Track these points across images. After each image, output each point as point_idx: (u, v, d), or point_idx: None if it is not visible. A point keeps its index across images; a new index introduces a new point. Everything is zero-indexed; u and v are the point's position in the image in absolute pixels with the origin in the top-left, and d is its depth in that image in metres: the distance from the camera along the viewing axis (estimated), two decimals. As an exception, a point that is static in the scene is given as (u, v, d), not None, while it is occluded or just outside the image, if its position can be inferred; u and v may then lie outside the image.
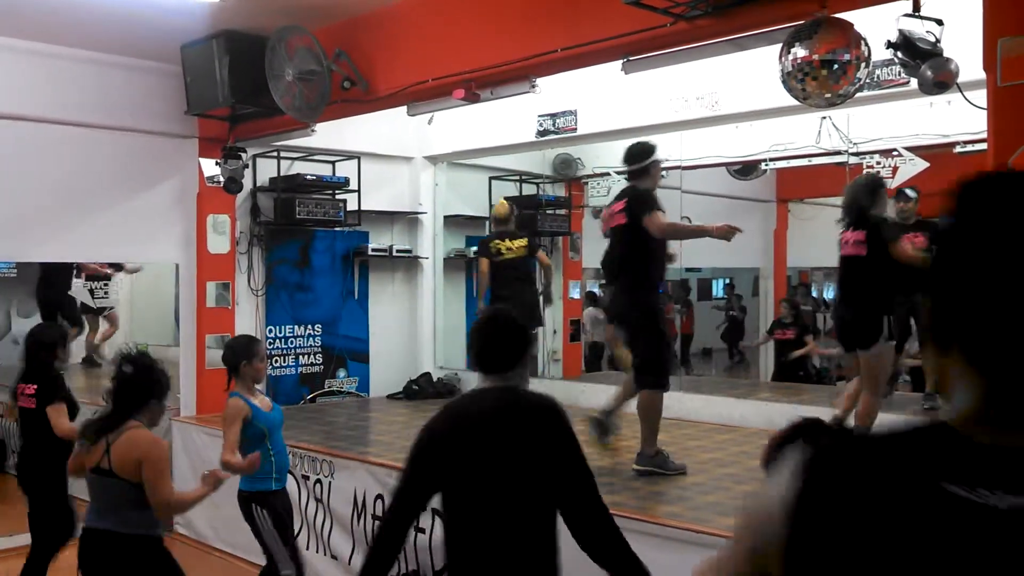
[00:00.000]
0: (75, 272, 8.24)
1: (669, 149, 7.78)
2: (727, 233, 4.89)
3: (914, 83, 3.99)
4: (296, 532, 5.73)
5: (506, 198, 8.99)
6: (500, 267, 6.99)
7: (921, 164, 6.60)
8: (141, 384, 3.68)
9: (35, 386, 5.06)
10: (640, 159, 5.18)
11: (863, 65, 3.89)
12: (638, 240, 5.00)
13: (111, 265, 8.32)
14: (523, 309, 6.51)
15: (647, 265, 5.11)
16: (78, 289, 8.28)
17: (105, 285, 8.44)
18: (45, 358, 5.09)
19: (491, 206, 8.86)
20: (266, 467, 4.38)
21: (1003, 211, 0.97)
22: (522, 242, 7.10)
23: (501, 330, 2.87)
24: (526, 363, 2.89)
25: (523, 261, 7.10)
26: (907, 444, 0.99)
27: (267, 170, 7.61)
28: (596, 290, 10.71)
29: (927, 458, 0.96)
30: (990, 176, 1.02)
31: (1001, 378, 0.97)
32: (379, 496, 5.21)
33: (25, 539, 5.26)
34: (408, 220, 8.60)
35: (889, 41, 3.80)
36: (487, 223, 8.91)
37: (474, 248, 8.07)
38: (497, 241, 7.12)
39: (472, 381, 7.40)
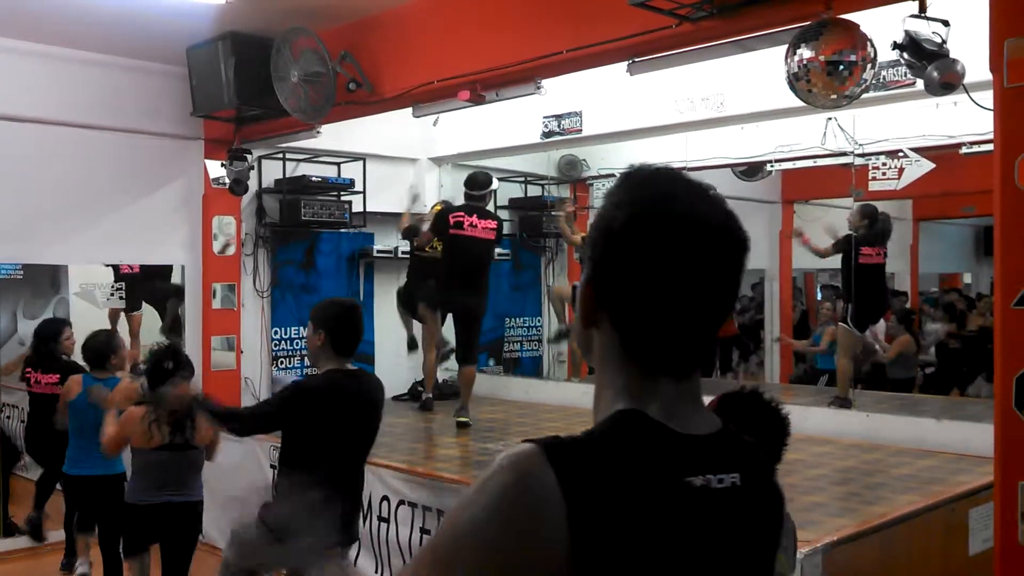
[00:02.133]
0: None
1: (674, 150, 7.81)
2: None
3: (920, 84, 3.98)
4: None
5: (511, 199, 9.06)
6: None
7: (927, 165, 6.58)
8: (181, 371, 4.30)
9: (56, 375, 5.70)
10: (489, 186, 6.53)
11: (869, 66, 3.89)
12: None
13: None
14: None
15: None
16: (84, 289, 8.25)
17: (117, 288, 8.35)
18: (53, 348, 5.89)
19: (496, 208, 8.87)
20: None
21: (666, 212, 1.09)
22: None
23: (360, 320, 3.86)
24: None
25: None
26: (637, 443, 1.07)
27: (272, 172, 7.61)
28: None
29: (662, 455, 1.07)
30: (650, 173, 1.13)
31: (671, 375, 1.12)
32: (384, 497, 5.21)
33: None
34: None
35: (895, 42, 3.79)
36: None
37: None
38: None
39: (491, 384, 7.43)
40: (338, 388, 3.73)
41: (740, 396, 2.72)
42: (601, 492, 1.01)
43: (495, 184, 6.82)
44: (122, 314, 7.55)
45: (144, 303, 7.75)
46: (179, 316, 7.47)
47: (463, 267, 6.41)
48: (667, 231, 1.07)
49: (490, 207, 7.12)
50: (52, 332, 6.03)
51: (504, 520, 0.99)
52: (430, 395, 7.34)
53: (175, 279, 7.53)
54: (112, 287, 7.61)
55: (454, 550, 1.00)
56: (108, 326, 7.78)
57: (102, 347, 5.09)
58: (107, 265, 7.39)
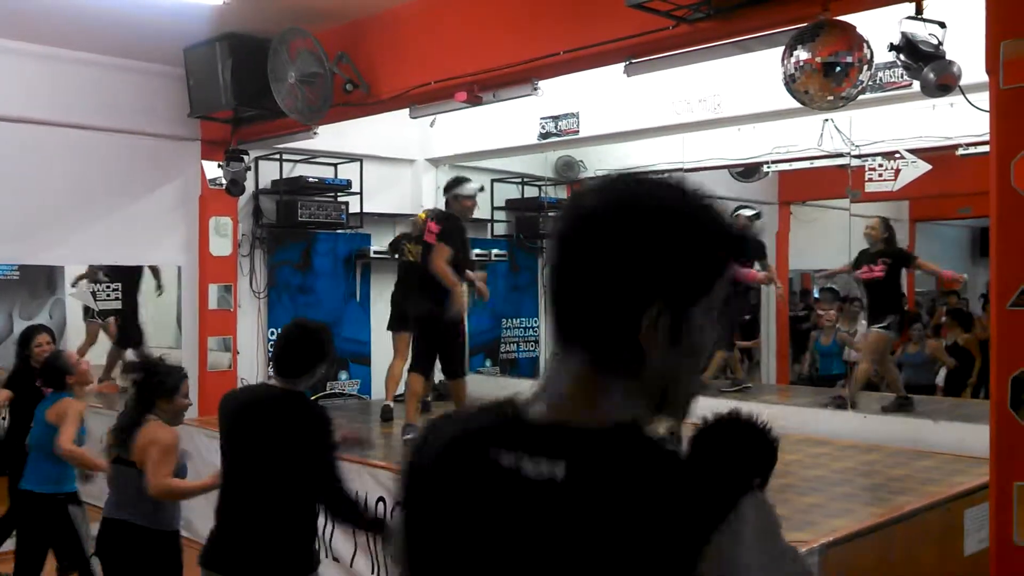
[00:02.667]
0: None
1: (671, 151, 7.82)
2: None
3: (916, 85, 3.99)
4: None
5: (508, 200, 9.07)
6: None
7: (924, 166, 6.59)
8: (146, 388, 4.09)
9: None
10: (452, 188, 6.18)
11: (865, 67, 3.89)
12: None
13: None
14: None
15: None
16: (80, 292, 8.26)
17: (113, 289, 8.33)
18: (28, 356, 5.60)
19: (493, 209, 8.88)
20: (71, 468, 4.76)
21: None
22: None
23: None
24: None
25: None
26: (474, 418, 1.16)
27: (269, 173, 7.61)
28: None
29: (483, 430, 1.13)
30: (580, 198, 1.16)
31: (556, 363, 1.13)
32: (381, 498, 5.21)
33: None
34: (410, 222, 8.59)
35: (892, 43, 3.80)
36: (489, 225, 8.92)
37: (477, 250, 8.08)
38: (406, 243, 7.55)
39: (479, 385, 7.45)
40: (232, 403, 3.60)
41: (720, 423, 2.67)
42: (413, 461, 1.19)
43: (468, 188, 6.22)
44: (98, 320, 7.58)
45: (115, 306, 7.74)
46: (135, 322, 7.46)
47: (418, 274, 6.30)
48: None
49: (482, 210, 7.03)
50: (24, 338, 5.75)
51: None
52: (428, 398, 7.30)
53: (146, 281, 7.51)
54: (109, 288, 7.63)
55: None
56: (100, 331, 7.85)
57: (57, 367, 4.93)
58: (92, 268, 7.39)
